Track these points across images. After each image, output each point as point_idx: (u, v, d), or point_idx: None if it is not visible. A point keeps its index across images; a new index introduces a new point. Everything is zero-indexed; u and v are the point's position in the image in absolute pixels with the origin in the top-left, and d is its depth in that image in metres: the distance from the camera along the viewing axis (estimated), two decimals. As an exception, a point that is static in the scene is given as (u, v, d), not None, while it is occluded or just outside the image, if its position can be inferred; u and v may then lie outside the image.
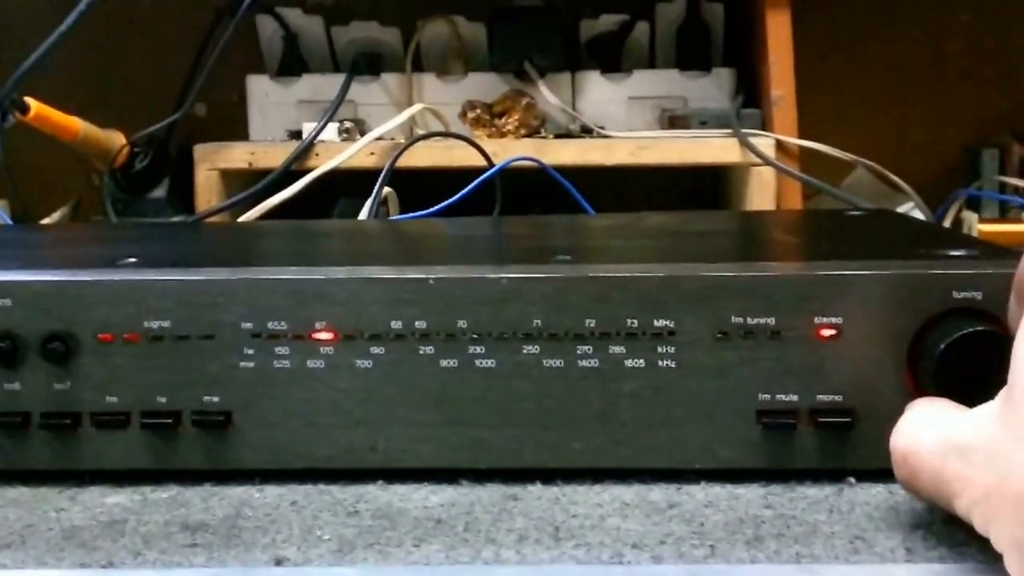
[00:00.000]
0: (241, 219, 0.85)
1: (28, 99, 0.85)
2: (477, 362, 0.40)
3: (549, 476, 0.41)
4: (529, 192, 0.89)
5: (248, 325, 0.40)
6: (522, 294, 0.40)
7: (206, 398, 0.40)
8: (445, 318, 0.40)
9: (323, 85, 0.95)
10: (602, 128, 0.93)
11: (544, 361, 0.40)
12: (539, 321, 0.40)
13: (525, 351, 0.40)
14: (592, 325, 0.39)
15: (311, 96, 0.96)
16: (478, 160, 0.83)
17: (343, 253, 0.54)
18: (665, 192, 1.06)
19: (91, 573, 0.34)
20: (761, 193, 0.87)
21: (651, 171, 0.91)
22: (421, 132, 0.91)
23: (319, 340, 0.40)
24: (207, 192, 0.88)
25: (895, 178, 0.92)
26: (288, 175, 0.86)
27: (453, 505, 0.39)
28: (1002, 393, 0.31)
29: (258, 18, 0.97)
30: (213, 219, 0.86)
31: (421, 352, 0.40)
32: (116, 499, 0.40)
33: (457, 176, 0.81)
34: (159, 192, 0.96)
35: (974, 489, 0.31)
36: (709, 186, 1.05)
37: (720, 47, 0.98)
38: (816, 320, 0.39)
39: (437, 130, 0.90)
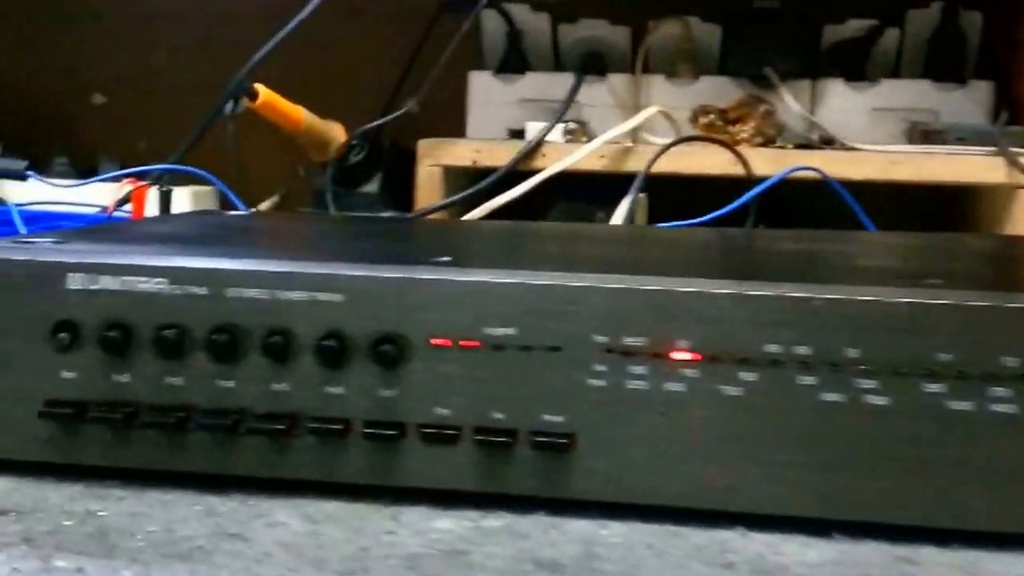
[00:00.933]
0: (466, 217, 0.82)
1: (258, 86, 0.83)
2: (867, 398, 0.34)
3: (939, 537, 0.35)
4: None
5: (602, 338, 0.35)
6: (926, 322, 0.34)
7: (548, 417, 0.36)
8: (831, 345, 0.34)
9: (546, 84, 0.91)
10: (843, 139, 0.87)
11: (949, 403, 0.34)
12: (946, 355, 0.34)
13: (927, 390, 0.34)
14: (1012, 364, 0.34)
15: (534, 95, 0.92)
16: (726, 168, 0.78)
17: (677, 263, 0.48)
18: (897, 210, 0.98)
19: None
20: (1026, 218, 0.80)
21: (886, 187, 0.84)
22: (648, 136, 0.86)
23: (680, 360, 0.35)
24: (429, 188, 0.85)
25: None
26: (508, 175, 0.83)
27: (838, 564, 0.33)
28: None
29: (483, 13, 0.94)
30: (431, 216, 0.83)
31: (799, 382, 0.35)
32: (444, 524, 0.36)
33: (695, 184, 0.76)
34: (371, 186, 0.94)
35: None
36: (946, 206, 0.97)
37: (973, 58, 0.91)
38: None
39: (670, 135, 0.85)
